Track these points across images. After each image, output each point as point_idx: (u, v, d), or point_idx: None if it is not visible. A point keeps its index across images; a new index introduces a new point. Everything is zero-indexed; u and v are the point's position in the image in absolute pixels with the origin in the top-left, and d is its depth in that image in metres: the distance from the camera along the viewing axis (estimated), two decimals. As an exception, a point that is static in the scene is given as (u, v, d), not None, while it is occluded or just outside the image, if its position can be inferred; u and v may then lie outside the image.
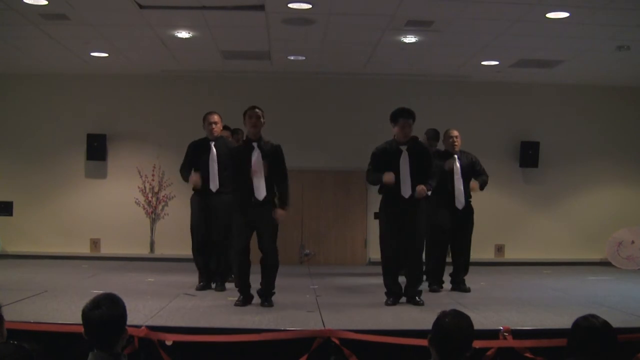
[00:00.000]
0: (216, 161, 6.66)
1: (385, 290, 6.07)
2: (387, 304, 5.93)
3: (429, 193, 6.08)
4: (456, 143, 6.93)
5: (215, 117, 6.86)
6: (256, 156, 5.76)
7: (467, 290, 6.79)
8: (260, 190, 5.71)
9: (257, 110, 5.92)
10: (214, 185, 6.66)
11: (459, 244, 6.98)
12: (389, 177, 5.87)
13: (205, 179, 6.64)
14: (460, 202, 6.81)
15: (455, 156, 6.92)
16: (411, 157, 5.98)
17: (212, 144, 6.75)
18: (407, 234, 5.97)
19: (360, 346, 4.41)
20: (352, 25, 7.55)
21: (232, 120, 9.26)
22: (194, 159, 6.78)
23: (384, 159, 6.05)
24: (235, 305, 5.71)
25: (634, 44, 7.87)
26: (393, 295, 6.00)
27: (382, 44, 8.27)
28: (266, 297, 5.77)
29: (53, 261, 9.35)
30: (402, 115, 6.00)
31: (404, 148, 6.01)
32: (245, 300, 5.78)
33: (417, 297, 5.93)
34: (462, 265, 6.96)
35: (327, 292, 6.73)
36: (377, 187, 6.24)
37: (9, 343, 2.43)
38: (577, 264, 9.98)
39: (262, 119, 5.92)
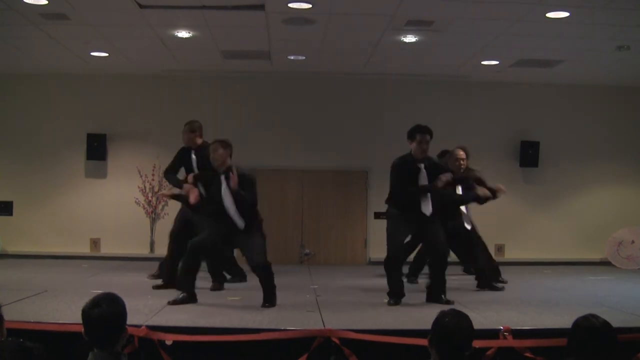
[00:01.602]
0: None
1: (388, 290, 6.05)
2: (389, 304, 5.91)
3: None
4: (462, 165, 6.94)
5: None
6: (224, 188, 5.77)
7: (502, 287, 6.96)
8: (239, 221, 5.77)
9: (215, 144, 5.88)
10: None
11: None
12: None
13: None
14: (467, 222, 6.93)
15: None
16: (429, 175, 5.98)
17: (192, 152, 6.78)
18: (432, 237, 6.02)
19: (360, 346, 4.41)
20: (352, 25, 7.55)
21: (230, 120, 9.31)
22: (180, 165, 6.88)
23: (404, 173, 6.01)
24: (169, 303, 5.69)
25: (634, 44, 7.87)
26: (395, 296, 5.98)
27: (382, 44, 8.27)
28: (268, 300, 5.75)
29: (53, 261, 9.35)
30: (419, 131, 5.99)
31: (421, 166, 5.99)
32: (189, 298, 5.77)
33: (443, 296, 5.95)
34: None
35: (327, 292, 6.73)
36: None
37: (10, 340, 2.44)
38: (577, 264, 9.98)
39: (220, 150, 5.83)
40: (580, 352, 2.98)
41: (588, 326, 3.00)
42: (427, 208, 5.94)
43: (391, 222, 6.10)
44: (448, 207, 6.55)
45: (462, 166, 6.93)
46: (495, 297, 6.53)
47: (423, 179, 5.96)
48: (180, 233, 6.85)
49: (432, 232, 6.01)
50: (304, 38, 8.10)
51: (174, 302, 5.66)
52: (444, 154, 7.83)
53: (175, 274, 6.74)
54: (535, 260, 9.96)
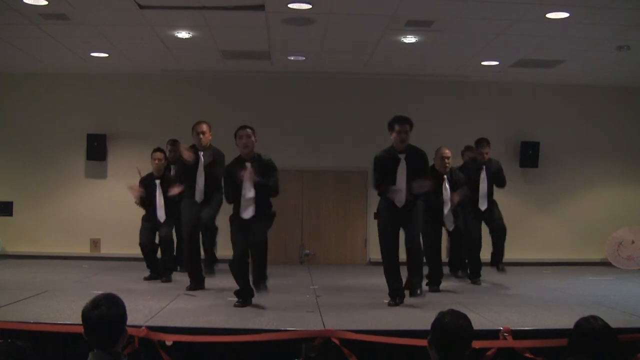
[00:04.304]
0: (203, 172, 6.71)
1: (388, 290, 6.04)
2: (389, 304, 5.91)
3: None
4: (448, 164, 7.01)
5: (204, 127, 6.82)
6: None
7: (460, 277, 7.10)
8: (248, 211, 5.77)
9: (247, 129, 5.89)
10: (199, 196, 6.75)
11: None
12: (394, 194, 5.87)
13: (192, 187, 6.75)
14: (450, 223, 6.96)
15: (445, 177, 7.01)
16: (409, 166, 5.97)
17: (201, 154, 6.76)
18: (406, 232, 6.00)
19: (360, 346, 4.41)
20: (352, 25, 7.55)
21: (230, 120, 9.26)
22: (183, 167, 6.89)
23: (384, 166, 6.02)
24: (235, 306, 5.71)
25: (634, 44, 7.87)
26: (396, 296, 5.96)
27: (382, 44, 8.28)
28: (259, 283, 5.76)
29: (53, 261, 9.35)
30: (398, 121, 5.98)
31: (402, 157, 5.98)
32: (245, 301, 5.80)
33: (417, 291, 5.91)
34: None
35: (327, 292, 6.73)
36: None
37: (2, 342, 2.46)
38: (577, 264, 9.99)
39: (252, 138, 5.89)
40: (580, 353, 2.98)
41: (589, 328, 3.01)
42: (400, 201, 5.90)
43: (379, 220, 6.10)
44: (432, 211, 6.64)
45: (448, 164, 6.99)
46: (495, 297, 6.54)
47: (402, 171, 5.95)
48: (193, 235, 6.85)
49: (412, 223, 5.96)
50: (304, 38, 8.10)
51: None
52: (468, 148, 8.03)
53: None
54: (535, 260, 9.96)
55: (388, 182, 5.95)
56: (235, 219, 5.86)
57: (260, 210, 5.81)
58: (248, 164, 5.85)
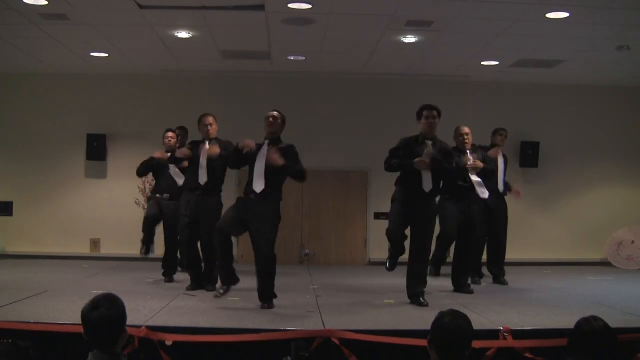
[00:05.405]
0: (206, 159, 6.69)
1: (388, 253, 6.22)
2: (387, 267, 6.15)
3: (428, 160, 5.92)
4: (467, 140, 6.98)
5: (210, 119, 6.84)
6: (263, 153, 5.76)
7: (470, 292, 6.74)
8: (259, 183, 5.69)
9: (276, 112, 5.99)
10: (203, 179, 6.68)
11: (463, 243, 7.00)
12: (422, 161, 5.86)
13: (196, 173, 6.71)
14: (483, 192, 6.89)
15: (468, 151, 6.98)
16: (435, 152, 5.99)
17: (207, 142, 6.78)
18: (415, 233, 6.02)
19: (360, 346, 4.41)
20: (352, 25, 7.55)
21: (231, 119, 9.28)
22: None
23: (409, 148, 6.04)
24: (215, 297, 5.70)
25: (634, 44, 7.87)
26: (394, 258, 6.13)
27: (382, 44, 8.28)
28: (265, 300, 5.70)
29: (53, 261, 9.35)
30: (426, 108, 6.08)
31: (429, 143, 6.04)
32: (227, 288, 5.74)
33: (421, 298, 5.92)
34: (466, 265, 7.00)
35: (327, 292, 6.73)
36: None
37: (5, 342, 2.47)
38: (577, 264, 9.99)
39: (279, 121, 5.94)
40: (580, 353, 2.99)
41: (589, 328, 3.02)
42: (428, 185, 5.96)
43: (392, 208, 6.14)
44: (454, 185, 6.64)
45: (467, 141, 6.95)
46: (495, 297, 6.54)
47: (427, 157, 5.93)
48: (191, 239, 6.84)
49: (424, 226, 6.00)
50: (304, 38, 8.10)
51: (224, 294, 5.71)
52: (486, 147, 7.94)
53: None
54: (535, 260, 9.96)
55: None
56: (240, 199, 5.82)
57: (270, 187, 5.70)
58: (266, 141, 5.84)
